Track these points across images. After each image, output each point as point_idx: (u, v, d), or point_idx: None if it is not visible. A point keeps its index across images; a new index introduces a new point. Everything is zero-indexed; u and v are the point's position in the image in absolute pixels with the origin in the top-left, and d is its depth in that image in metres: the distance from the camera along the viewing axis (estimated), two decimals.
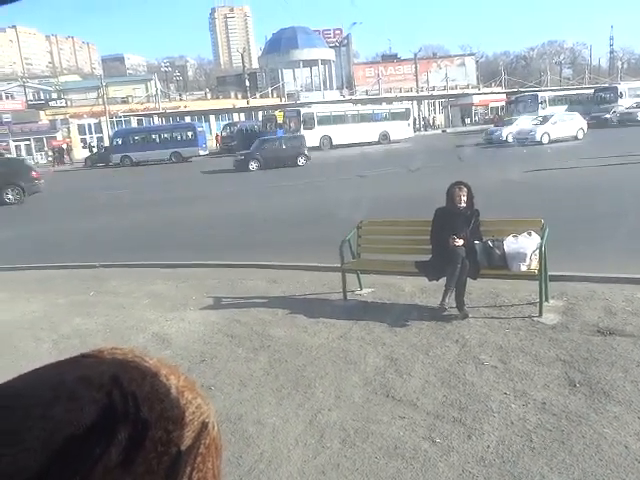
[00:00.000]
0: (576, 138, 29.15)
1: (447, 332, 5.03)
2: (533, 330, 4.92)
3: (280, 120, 40.51)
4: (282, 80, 61.33)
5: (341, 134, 37.53)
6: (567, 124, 29.69)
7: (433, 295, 5.87)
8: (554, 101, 44.04)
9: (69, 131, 50.49)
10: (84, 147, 48.95)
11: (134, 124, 50.21)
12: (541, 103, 42.07)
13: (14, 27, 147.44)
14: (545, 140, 28.41)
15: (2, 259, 9.65)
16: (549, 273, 5.50)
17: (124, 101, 54.60)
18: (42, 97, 55.70)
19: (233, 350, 5.05)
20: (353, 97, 56.53)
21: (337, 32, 73.79)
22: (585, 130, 29.99)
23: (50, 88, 58.45)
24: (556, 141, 28.27)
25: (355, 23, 74.73)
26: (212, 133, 50.78)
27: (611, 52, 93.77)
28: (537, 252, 5.27)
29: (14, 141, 48.11)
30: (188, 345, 5.26)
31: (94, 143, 48.40)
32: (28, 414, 0.39)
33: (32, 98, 54.89)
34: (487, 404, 3.72)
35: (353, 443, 3.40)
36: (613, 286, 5.82)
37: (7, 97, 56.80)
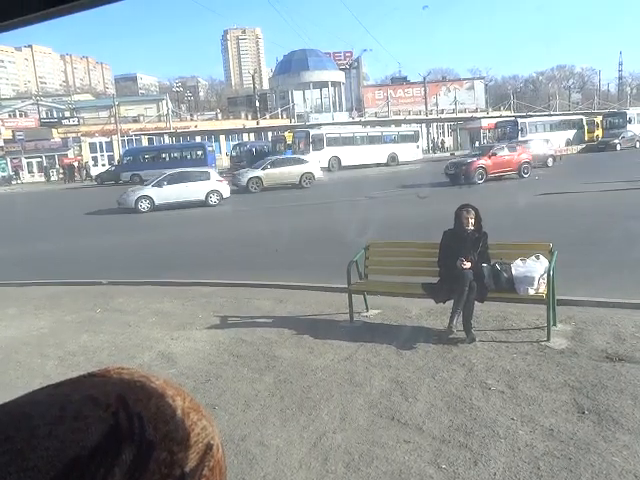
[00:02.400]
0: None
1: (454, 355, 4.99)
2: (541, 355, 4.88)
3: (289, 141, 40.78)
4: (292, 101, 61.76)
5: (350, 155, 37.68)
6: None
7: (440, 318, 5.84)
8: (536, 127, 41.26)
9: (81, 149, 51.07)
10: (95, 165, 49.49)
11: (145, 143, 50.69)
12: (521, 130, 39.37)
13: (30, 46, 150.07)
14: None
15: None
16: (557, 297, 5.47)
17: (135, 120, 55.14)
18: (55, 115, 56.40)
19: (238, 370, 5.03)
20: (362, 119, 56.77)
21: (347, 55, 74.44)
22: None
23: (63, 106, 59.21)
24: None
25: (365, 50, 75.27)
26: (222, 152, 51.12)
27: (620, 77, 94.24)
28: (545, 276, 5.25)
29: (26, 158, 48.70)
30: (193, 364, 5.24)
31: (105, 161, 48.96)
32: (33, 433, 0.40)
33: (45, 116, 55.57)
34: (494, 429, 3.68)
35: (357, 467, 3.36)
36: (622, 311, 5.76)
37: (21, 115, 57.58)
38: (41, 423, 0.40)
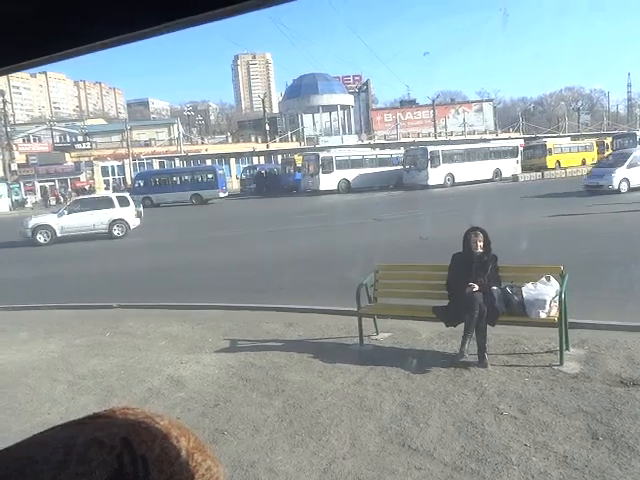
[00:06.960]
0: None
1: (465, 380, 4.93)
2: (554, 379, 4.81)
3: (299, 163, 41.06)
4: (302, 124, 62.40)
5: (359, 178, 37.88)
6: None
7: (451, 341, 5.79)
8: (452, 157, 36.19)
9: (93, 173, 51.68)
10: (106, 188, 49.99)
11: (156, 166, 51.24)
12: (431, 159, 34.82)
13: (44, 73, 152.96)
14: None
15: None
16: (569, 320, 5.41)
17: (147, 144, 55.88)
18: (68, 140, 57.32)
19: (247, 394, 5.00)
20: (372, 141, 57.23)
21: (356, 78, 75.33)
22: None
23: (76, 131, 60.16)
24: None
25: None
26: (232, 176, 51.51)
27: (629, 99, 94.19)
28: (557, 299, 5.20)
29: (39, 182, 49.32)
30: (202, 388, 5.22)
31: (116, 184, 49.48)
32: (37, 478, 0.40)
33: (58, 141, 56.48)
34: (506, 456, 3.61)
35: None
36: (636, 335, 5.69)
37: (35, 140, 58.54)
38: (45, 468, 0.40)
